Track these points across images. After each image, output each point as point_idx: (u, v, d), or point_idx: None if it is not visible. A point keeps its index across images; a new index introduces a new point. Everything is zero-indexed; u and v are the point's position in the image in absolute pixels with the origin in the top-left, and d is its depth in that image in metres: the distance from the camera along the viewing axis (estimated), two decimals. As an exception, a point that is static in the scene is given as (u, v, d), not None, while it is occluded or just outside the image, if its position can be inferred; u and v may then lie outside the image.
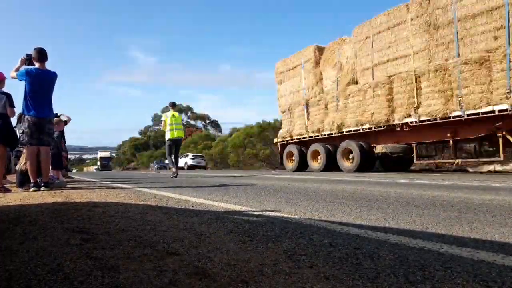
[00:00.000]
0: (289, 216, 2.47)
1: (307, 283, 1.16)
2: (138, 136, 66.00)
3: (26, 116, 4.87)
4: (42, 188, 4.87)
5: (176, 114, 9.37)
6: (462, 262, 1.36)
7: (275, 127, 27.03)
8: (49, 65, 5.04)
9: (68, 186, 5.80)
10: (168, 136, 9.17)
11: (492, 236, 1.80)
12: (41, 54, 4.90)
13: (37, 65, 4.90)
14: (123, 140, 72.26)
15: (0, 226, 2.22)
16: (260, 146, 25.74)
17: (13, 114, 5.18)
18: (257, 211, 2.71)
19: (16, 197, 4.04)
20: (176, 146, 9.34)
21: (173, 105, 9.57)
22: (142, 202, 3.35)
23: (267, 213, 2.63)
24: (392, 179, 6.28)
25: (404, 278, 1.19)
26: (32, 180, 4.92)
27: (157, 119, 65.20)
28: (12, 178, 9.00)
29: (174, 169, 8.99)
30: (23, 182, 5.21)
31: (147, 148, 58.20)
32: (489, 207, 2.71)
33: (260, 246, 1.64)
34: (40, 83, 4.86)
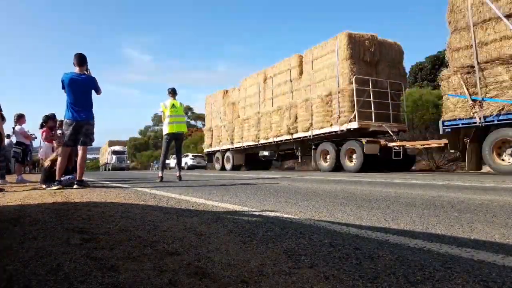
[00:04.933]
0: (289, 216, 2.47)
1: (307, 283, 1.16)
2: (138, 136, 66.03)
3: (65, 120, 5.23)
4: (75, 186, 5.09)
5: (177, 103, 7.43)
6: (462, 262, 1.36)
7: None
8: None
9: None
10: (166, 130, 7.34)
11: (492, 236, 1.80)
12: (80, 59, 5.21)
13: (76, 69, 5.20)
14: (123, 140, 72.18)
15: (0, 226, 2.22)
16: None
17: None
18: (257, 211, 2.71)
19: (16, 197, 4.04)
20: (176, 142, 7.52)
21: (173, 92, 7.50)
22: (142, 202, 3.35)
23: (267, 213, 2.63)
24: (392, 179, 6.28)
25: (404, 278, 1.19)
26: (57, 178, 5.14)
27: (156, 119, 65.17)
28: (13, 178, 9.01)
29: (160, 173, 7.23)
30: (46, 180, 5.38)
31: (147, 148, 58.19)
32: (489, 208, 2.71)
33: (260, 246, 1.64)
34: (75, 87, 5.12)
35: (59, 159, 5.20)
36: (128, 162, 41.40)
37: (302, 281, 1.18)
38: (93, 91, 5.34)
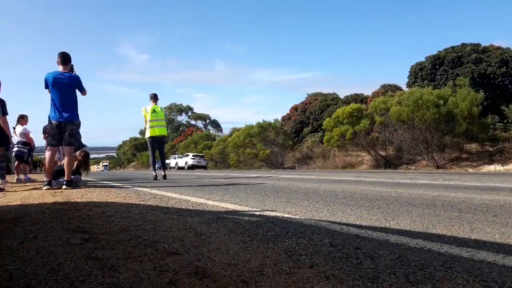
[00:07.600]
0: (290, 216, 2.47)
1: (308, 283, 1.16)
2: (139, 136, 65.95)
3: (49, 120, 5.16)
4: (64, 187, 5.07)
5: (158, 108, 7.97)
6: (463, 262, 1.36)
7: (275, 127, 27.03)
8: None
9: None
10: (148, 133, 7.92)
11: (492, 236, 1.80)
12: (63, 58, 5.16)
13: (60, 68, 5.14)
14: (123, 140, 72.26)
15: (0, 226, 2.22)
16: (260, 146, 25.72)
17: (4, 122, 5.51)
18: (257, 211, 2.71)
19: (17, 197, 4.04)
20: (159, 145, 8.13)
21: (154, 97, 8.02)
22: (142, 202, 3.35)
23: (268, 213, 2.63)
24: (392, 179, 6.28)
25: (404, 278, 1.19)
26: (47, 179, 5.16)
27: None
28: (13, 178, 9.01)
29: (154, 172, 7.85)
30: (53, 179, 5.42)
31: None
32: (490, 207, 2.71)
33: (261, 246, 1.64)
34: (59, 87, 5.07)
35: (46, 160, 5.20)
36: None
37: (302, 281, 1.18)
38: (78, 91, 5.24)
